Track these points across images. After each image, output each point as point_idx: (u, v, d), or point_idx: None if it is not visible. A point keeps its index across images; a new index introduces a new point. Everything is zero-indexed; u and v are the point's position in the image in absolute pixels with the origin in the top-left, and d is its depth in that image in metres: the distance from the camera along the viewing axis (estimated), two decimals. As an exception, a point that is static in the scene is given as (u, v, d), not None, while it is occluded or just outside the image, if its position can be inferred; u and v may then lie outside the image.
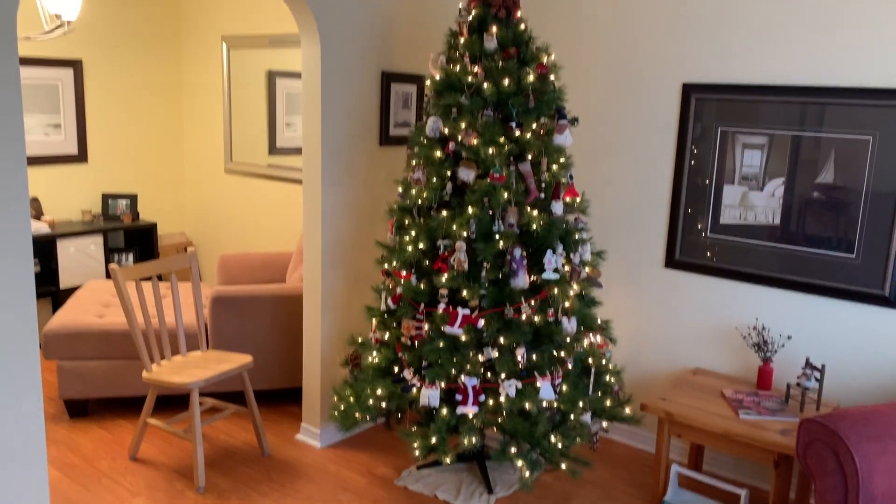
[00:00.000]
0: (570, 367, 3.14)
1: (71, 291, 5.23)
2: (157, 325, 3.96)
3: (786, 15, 3.21)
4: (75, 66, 5.31)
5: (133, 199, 5.62)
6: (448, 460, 3.03)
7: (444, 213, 3.10)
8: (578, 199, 3.22)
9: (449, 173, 3.14)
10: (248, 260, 4.67)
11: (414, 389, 3.11)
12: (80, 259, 5.23)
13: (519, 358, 3.02)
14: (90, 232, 5.25)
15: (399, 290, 3.19)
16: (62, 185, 5.41)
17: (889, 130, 3.02)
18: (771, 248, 3.37)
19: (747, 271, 3.44)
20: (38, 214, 5.16)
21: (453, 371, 3.05)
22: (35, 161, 5.21)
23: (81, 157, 5.45)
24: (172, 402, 4.23)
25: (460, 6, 3.17)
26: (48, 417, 3.96)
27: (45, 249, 5.09)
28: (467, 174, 3.05)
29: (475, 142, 3.03)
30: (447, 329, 3.00)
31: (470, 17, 3.14)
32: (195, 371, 3.37)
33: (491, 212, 3.04)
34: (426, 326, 3.11)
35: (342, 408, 3.30)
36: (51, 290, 5.12)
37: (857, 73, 3.08)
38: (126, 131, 5.72)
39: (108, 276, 5.42)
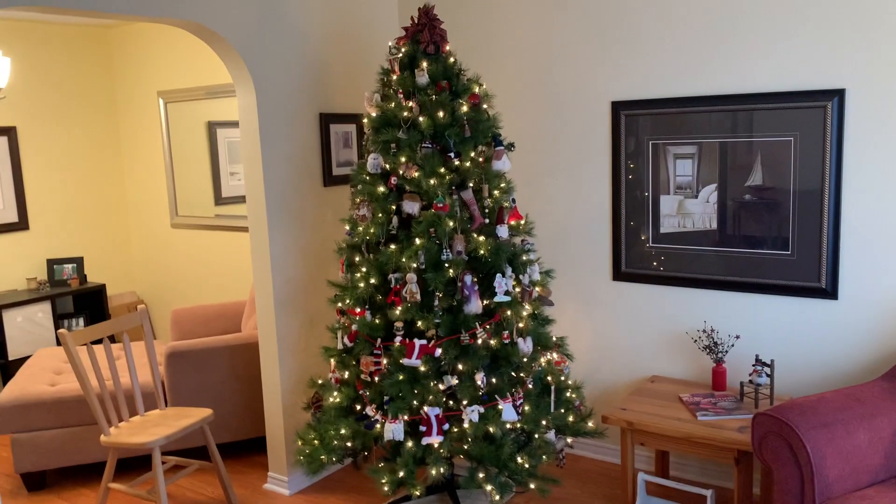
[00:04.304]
0: (530, 386, 3.18)
1: (21, 362, 5.10)
2: (113, 388, 3.89)
3: (705, 28, 3.37)
4: (9, 133, 5.25)
5: (79, 262, 5.54)
6: (418, 493, 3.02)
7: (393, 246, 3.14)
8: (523, 222, 3.29)
9: (394, 207, 3.19)
10: (201, 312, 4.63)
11: (378, 425, 3.11)
12: (28, 328, 5.11)
13: (479, 383, 3.05)
14: (37, 300, 5.15)
15: (354, 327, 3.20)
16: (4, 255, 5.30)
17: (808, 130, 3.17)
18: (712, 252, 3.48)
19: (692, 277, 3.55)
20: (-20, 286, 5.04)
21: (415, 403, 3.06)
22: (-27, 232, 5.11)
23: (22, 224, 5.36)
24: (134, 464, 4.14)
25: (390, 44, 3.25)
26: (4, 494, 3.83)
27: (-10, 322, 4.97)
28: (412, 206, 3.10)
29: (416, 174, 3.09)
30: (405, 361, 3.02)
31: (400, 55, 3.21)
32: (155, 429, 3.31)
33: (438, 241, 3.08)
34: (384, 361, 3.12)
35: (307, 451, 3.28)
36: (-1, 363, 4.99)
37: (776, 78, 3.23)
38: (67, 194, 5.65)
39: (58, 342, 5.30)
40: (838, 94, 3.09)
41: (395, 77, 3.21)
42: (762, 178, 3.31)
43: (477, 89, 3.21)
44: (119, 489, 3.36)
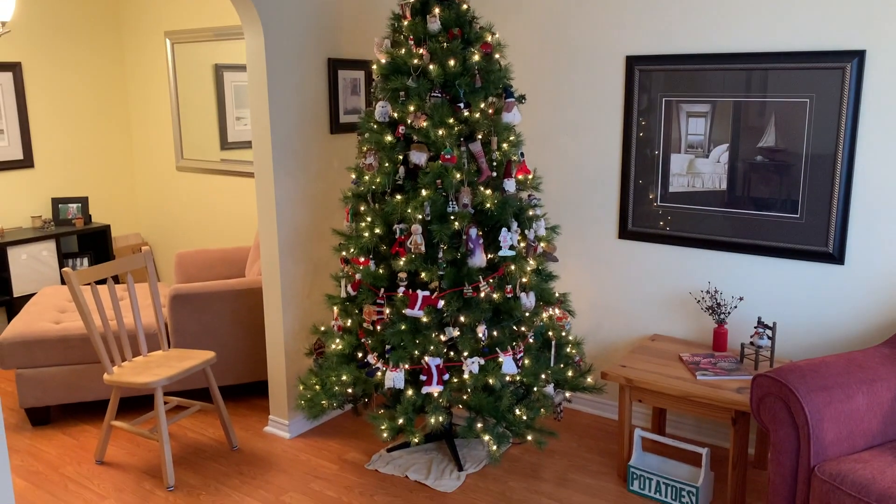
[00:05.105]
0: (530, 341, 3.19)
1: (25, 299, 5.14)
2: (116, 327, 3.91)
3: (721, -16, 3.28)
4: (14, 69, 5.19)
5: (84, 201, 5.52)
6: (416, 440, 3.06)
7: (399, 197, 3.12)
8: (530, 176, 3.26)
9: (401, 157, 3.15)
10: (205, 257, 4.63)
11: (378, 373, 3.13)
12: (32, 266, 5.13)
13: (480, 335, 3.06)
14: (41, 238, 5.15)
15: (358, 276, 3.20)
16: (9, 192, 5.29)
17: (825, 91, 3.11)
18: (719, 212, 3.45)
19: (698, 237, 3.52)
20: (-15, 223, 5.05)
21: (416, 352, 3.08)
22: (-22, 169, 5.09)
23: (27, 162, 5.33)
24: (137, 403, 4.20)
25: (402, -11, 3.17)
26: (9, 427, 3.89)
27: (-5, 258, 4.99)
28: (419, 157, 3.07)
29: (424, 124, 3.05)
30: (408, 312, 3.03)
31: (412, 0, 3.14)
32: (158, 370, 3.34)
33: (444, 193, 3.06)
34: (387, 310, 3.13)
35: (308, 396, 3.32)
36: (4, 300, 5.02)
37: (794, 37, 3.16)
38: (72, 133, 5.61)
39: (62, 281, 5.32)
40: (858, 56, 3.02)
41: (406, 23, 3.14)
42: (775, 139, 3.26)
43: (489, 38, 3.15)
44: (122, 427, 3.41)
